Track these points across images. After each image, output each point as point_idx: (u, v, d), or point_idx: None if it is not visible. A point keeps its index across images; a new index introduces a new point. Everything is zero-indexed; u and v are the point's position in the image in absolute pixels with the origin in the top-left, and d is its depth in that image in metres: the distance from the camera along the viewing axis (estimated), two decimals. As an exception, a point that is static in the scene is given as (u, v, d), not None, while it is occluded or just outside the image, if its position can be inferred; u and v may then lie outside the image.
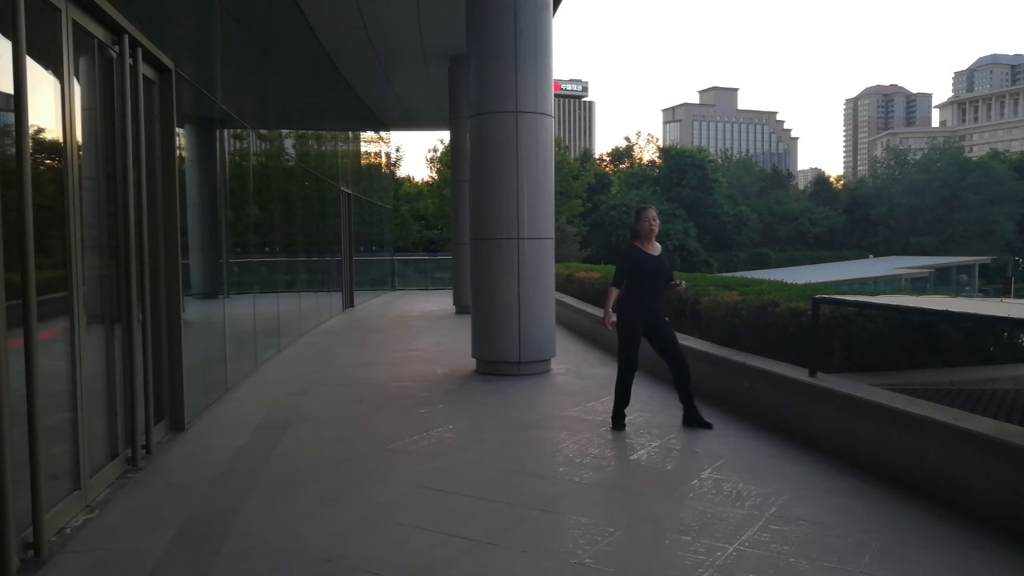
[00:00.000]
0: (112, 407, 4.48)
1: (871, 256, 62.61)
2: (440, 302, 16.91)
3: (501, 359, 7.74)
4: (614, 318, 5.52)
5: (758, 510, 3.80)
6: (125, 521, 3.78)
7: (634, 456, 4.79)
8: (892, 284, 39.80)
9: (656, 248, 5.57)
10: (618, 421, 5.53)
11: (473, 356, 8.08)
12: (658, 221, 5.55)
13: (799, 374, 5.18)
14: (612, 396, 5.54)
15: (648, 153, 73.63)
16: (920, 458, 4.03)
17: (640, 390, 6.86)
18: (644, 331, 5.50)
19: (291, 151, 10.92)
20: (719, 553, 3.31)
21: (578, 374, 7.80)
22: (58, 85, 3.84)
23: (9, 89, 3.28)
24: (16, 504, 3.14)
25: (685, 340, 6.79)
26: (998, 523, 3.51)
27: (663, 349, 5.55)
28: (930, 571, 3.14)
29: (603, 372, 7.90)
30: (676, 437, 5.23)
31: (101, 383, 4.37)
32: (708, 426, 5.39)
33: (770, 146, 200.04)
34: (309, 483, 4.32)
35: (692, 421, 5.46)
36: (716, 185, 63.87)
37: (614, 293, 5.57)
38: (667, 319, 5.57)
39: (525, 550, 3.35)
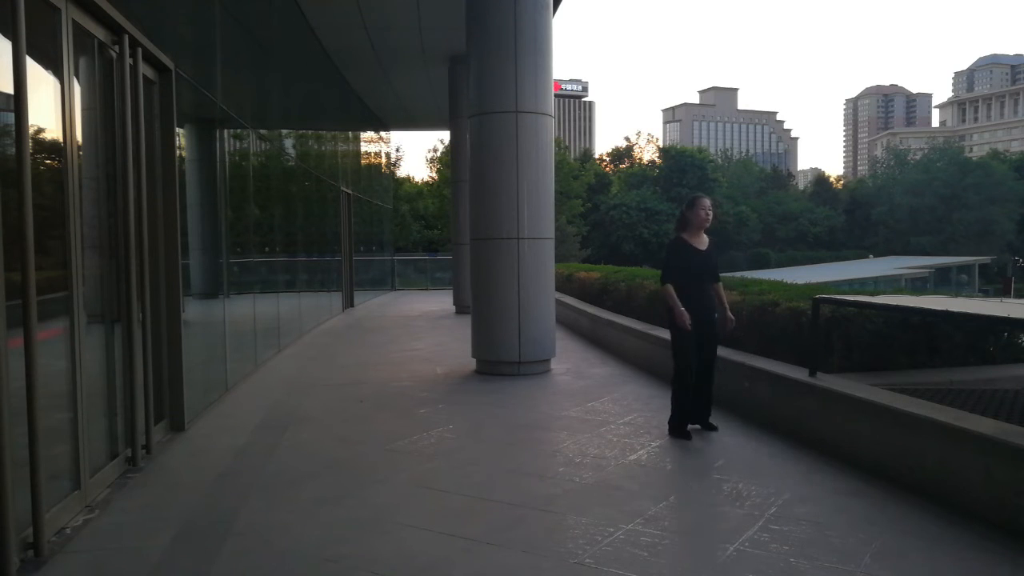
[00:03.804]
0: (112, 407, 4.48)
1: (871, 256, 62.56)
2: (440, 302, 16.91)
3: (501, 359, 7.74)
4: (687, 316, 5.03)
5: (758, 510, 3.80)
6: (125, 521, 3.78)
7: (634, 456, 4.79)
8: (892, 284, 39.79)
9: (704, 241, 5.26)
10: (677, 429, 5.21)
11: (473, 356, 8.08)
12: (711, 212, 5.21)
13: (799, 374, 5.18)
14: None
15: (648, 153, 73.78)
16: (920, 458, 4.04)
17: (640, 390, 6.88)
18: (695, 332, 5.10)
19: (291, 151, 10.92)
20: (719, 553, 3.31)
21: (578, 374, 7.80)
22: (58, 85, 3.84)
23: (9, 89, 3.28)
24: (16, 504, 3.14)
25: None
26: (998, 523, 3.52)
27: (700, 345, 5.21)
28: (930, 571, 3.14)
29: (603, 372, 7.90)
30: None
31: (101, 383, 4.37)
32: (713, 428, 5.37)
33: (770, 146, 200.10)
34: (309, 483, 4.32)
35: (700, 422, 5.38)
36: (716, 185, 63.85)
37: (672, 289, 5.12)
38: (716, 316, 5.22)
39: (525, 550, 3.36)
